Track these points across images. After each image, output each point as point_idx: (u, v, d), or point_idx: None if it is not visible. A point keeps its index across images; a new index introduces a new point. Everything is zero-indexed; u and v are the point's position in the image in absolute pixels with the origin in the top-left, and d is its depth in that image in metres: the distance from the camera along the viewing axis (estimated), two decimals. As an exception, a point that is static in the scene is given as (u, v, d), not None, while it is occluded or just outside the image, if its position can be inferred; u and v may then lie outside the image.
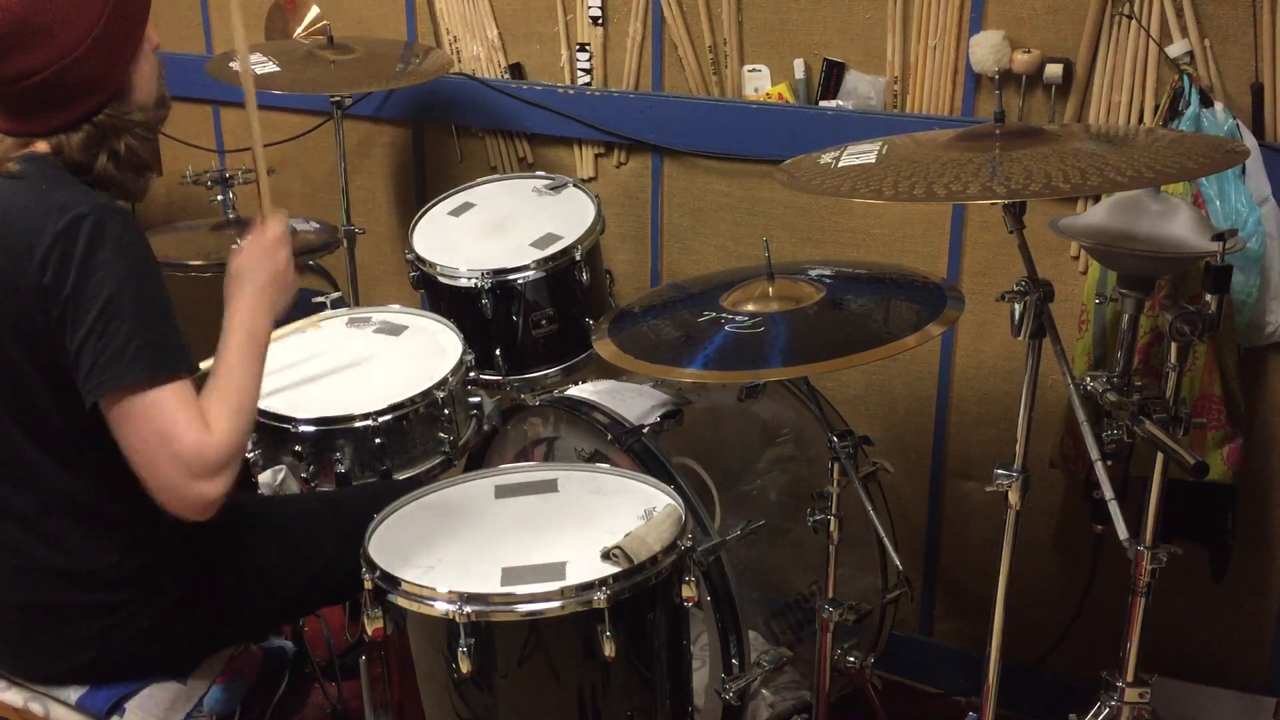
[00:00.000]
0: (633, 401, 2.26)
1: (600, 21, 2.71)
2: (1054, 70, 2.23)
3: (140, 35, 1.71)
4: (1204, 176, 2.01)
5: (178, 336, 1.63)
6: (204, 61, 2.78)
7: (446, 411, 2.14)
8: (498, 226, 2.55)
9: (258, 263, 1.76)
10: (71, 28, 1.61)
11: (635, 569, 1.67)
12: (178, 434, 1.57)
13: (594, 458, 2.21)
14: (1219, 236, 1.63)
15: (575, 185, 2.64)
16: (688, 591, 1.74)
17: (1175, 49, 2.13)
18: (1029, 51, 2.24)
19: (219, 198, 2.78)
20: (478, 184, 2.71)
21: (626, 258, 2.83)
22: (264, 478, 2.06)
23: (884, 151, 1.76)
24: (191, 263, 2.66)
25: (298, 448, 2.05)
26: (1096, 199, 2.11)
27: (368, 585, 1.70)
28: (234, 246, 1.79)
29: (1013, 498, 1.78)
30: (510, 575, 1.68)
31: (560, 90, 2.78)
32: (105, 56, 1.65)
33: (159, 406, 1.57)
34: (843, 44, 2.46)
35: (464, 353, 2.25)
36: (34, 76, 1.61)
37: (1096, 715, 1.91)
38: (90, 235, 1.57)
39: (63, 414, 1.63)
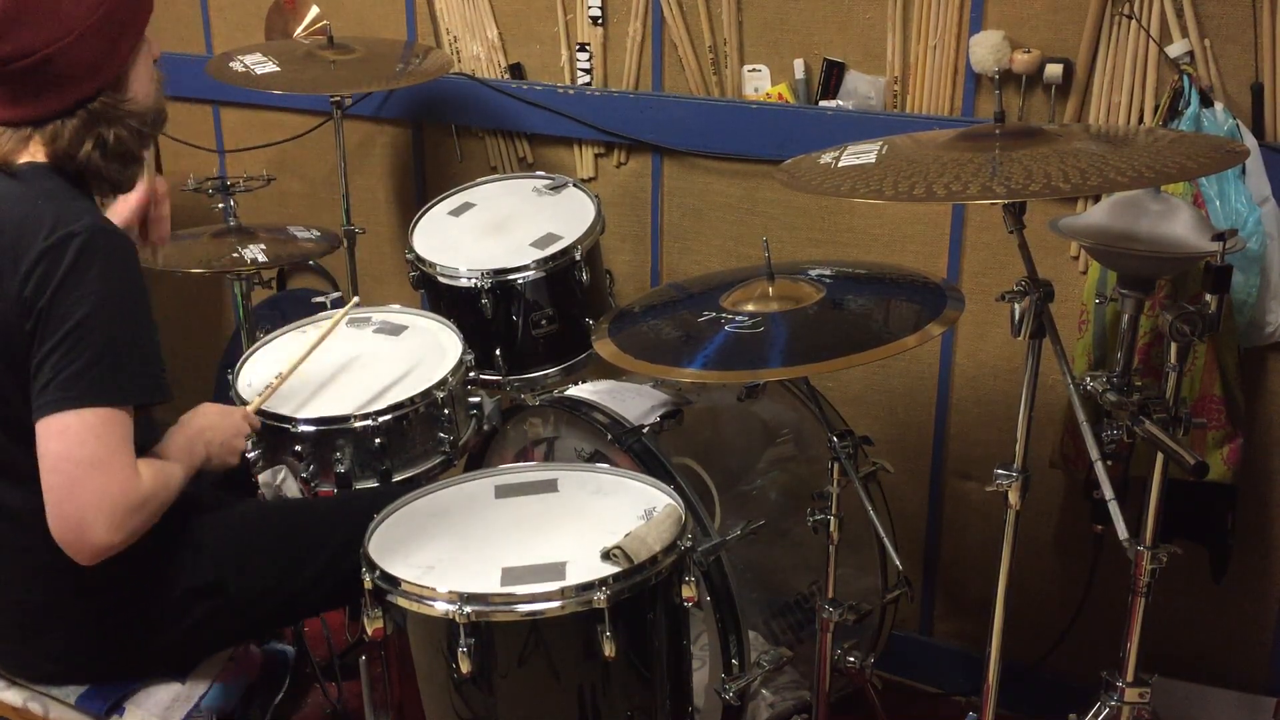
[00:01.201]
0: (633, 401, 2.26)
1: (600, 21, 2.71)
2: (1054, 70, 2.23)
3: (140, 30, 1.73)
4: (1204, 176, 2.01)
5: (146, 369, 1.63)
6: (204, 61, 2.78)
7: (446, 411, 2.14)
8: (498, 226, 2.55)
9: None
10: (74, 9, 1.63)
11: (635, 569, 1.67)
12: (111, 467, 1.56)
13: (594, 458, 2.21)
14: (1219, 236, 1.63)
15: (575, 185, 2.64)
16: (688, 591, 1.74)
17: (1175, 49, 2.13)
18: (1029, 51, 2.24)
19: (220, 205, 2.78)
20: (478, 184, 2.71)
21: (626, 258, 2.83)
22: (264, 478, 2.06)
23: (884, 151, 1.76)
24: (192, 271, 2.66)
25: (298, 448, 2.05)
26: (1096, 199, 2.11)
27: (368, 585, 1.70)
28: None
29: (1013, 498, 1.78)
30: (510, 575, 1.68)
31: (560, 90, 2.78)
32: (105, 43, 1.66)
33: (100, 436, 1.56)
34: (843, 44, 2.46)
35: (464, 353, 2.25)
36: (34, 54, 1.62)
37: (1096, 715, 1.91)
38: (77, 255, 1.57)
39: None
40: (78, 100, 1.67)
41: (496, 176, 2.76)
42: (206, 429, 1.85)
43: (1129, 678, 1.89)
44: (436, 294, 2.48)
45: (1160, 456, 1.79)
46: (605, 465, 2.06)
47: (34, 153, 1.68)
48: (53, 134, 1.67)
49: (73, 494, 1.56)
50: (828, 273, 2.08)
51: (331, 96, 2.75)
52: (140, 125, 1.74)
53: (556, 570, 1.69)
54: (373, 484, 2.09)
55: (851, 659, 2.10)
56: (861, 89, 2.44)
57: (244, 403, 2.06)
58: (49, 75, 1.64)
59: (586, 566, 1.69)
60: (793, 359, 1.83)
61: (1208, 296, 1.64)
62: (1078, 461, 2.23)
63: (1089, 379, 1.84)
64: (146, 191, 1.92)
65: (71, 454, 1.55)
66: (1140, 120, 2.20)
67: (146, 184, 1.89)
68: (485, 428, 2.31)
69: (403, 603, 1.68)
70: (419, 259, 2.46)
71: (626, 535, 1.71)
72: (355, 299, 2.34)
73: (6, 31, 1.61)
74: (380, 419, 2.06)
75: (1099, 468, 1.68)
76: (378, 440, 2.06)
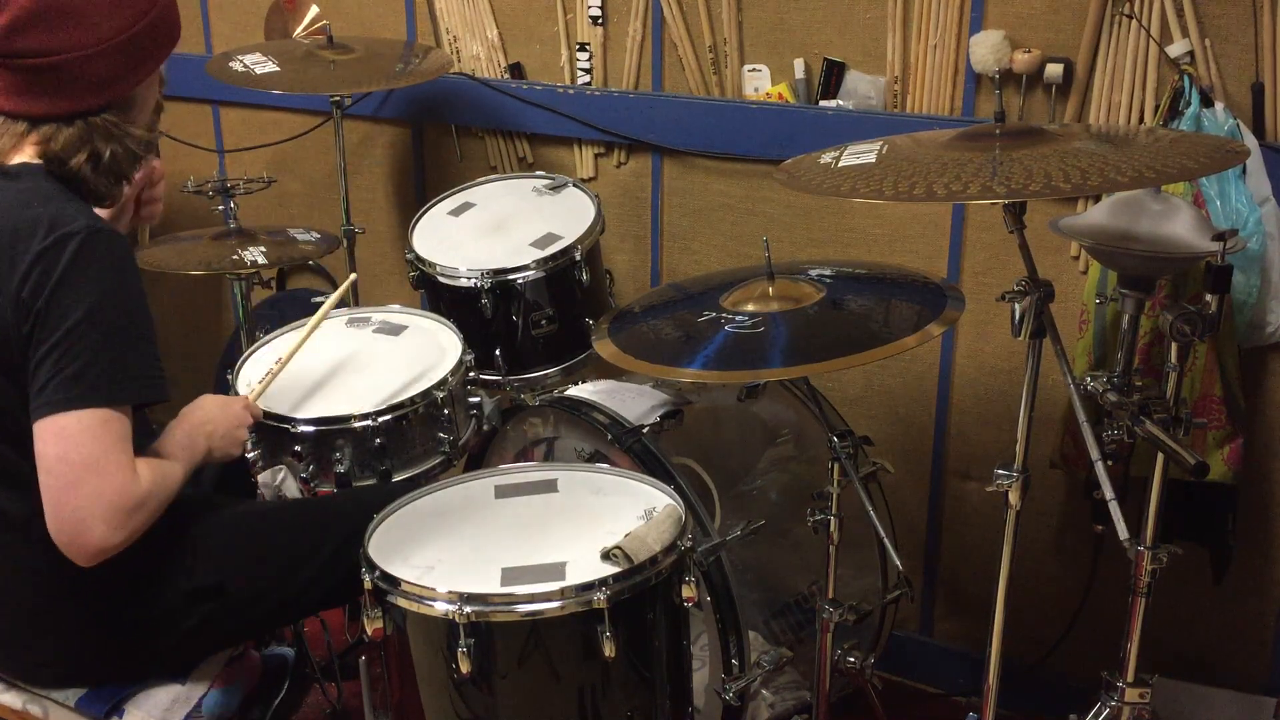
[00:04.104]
0: (633, 401, 2.26)
1: (600, 21, 2.71)
2: (1054, 70, 2.23)
3: (160, 60, 1.74)
4: (1204, 176, 2.01)
5: (144, 369, 1.62)
6: (204, 61, 2.78)
7: (446, 411, 2.14)
8: (498, 226, 2.55)
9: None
10: (104, 23, 1.63)
11: (635, 569, 1.67)
12: (108, 468, 1.55)
13: (594, 458, 2.21)
14: (1219, 236, 1.63)
15: (575, 185, 2.64)
16: (688, 591, 1.74)
17: (1175, 49, 2.13)
18: (1029, 51, 2.24)
19: (220, 207, 2.77)
20: (478, 184, 2.71)
21: (626, 258, 2.83)
22: (264, 478, 2.06)
23: (884, 151, 1.76)
24: (192, 273, 2.66)
25: (297, 448, 2.05)
26: (1097, 199, 2.11)
27: (367, 585, 1.70)
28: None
29: (1013, 498, 1.78)
30: (510, 575, 1.68)
31: (560, 90, 2.78)
32: (123, 64, 1.67)
33: (98, 437, 1.55)
34: (843, 44, 2.46)
35: (464, 353, 2.25)
36: (51, 56, 1.61)
37: (1097, 715, 1.91)
38: (74, 255, 1.57)
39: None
40: (80, 110, 1.67)
41: (496, 176, 2.75)
42: (206, 422, 1.85)
43: (1129, 678, 1.89)
44: (436, 294, 2.48)
45: (1161, 457, 1.79)
46: (605, 465, 2.06)
47: (28, 153, 1.68)
48: (47, 135, 1.67)
49: (70, 496, 1.55)
50: (828, 273, 2.08)
51: (331, 96, 2.75)
52: (135, 147, 1.73)
53: (556, 570, 1.69)
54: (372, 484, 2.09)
55: (851, 659, 2.10)
56: (861, 89, 2.44)
57: None
58: (59, 79, 1.64)
59: (586, 566, 1.69)
60: (793, 359, 1.83)
61: (1208, 296, 1.64)
62: (1078, 461, 2.23)
63: (1089, 379, 1.84)
64: (145, 171, 1.91)
65: (68, 456, 1.55)
66: (1140, 120, 2.19)
67: (145, 163, 1.88)
68: (485, 428, 2.31)
69: (403, 603, 1.68)
70: (419, 259, 2.46)
71: (626, 535, 1.71)
72: (353, 275, 2.32)
73: (28, 27, 1.60)
74: (380, 419, 2.06)
75: (1099, 468, 1.67)
76: (377, 440, 2.06)
